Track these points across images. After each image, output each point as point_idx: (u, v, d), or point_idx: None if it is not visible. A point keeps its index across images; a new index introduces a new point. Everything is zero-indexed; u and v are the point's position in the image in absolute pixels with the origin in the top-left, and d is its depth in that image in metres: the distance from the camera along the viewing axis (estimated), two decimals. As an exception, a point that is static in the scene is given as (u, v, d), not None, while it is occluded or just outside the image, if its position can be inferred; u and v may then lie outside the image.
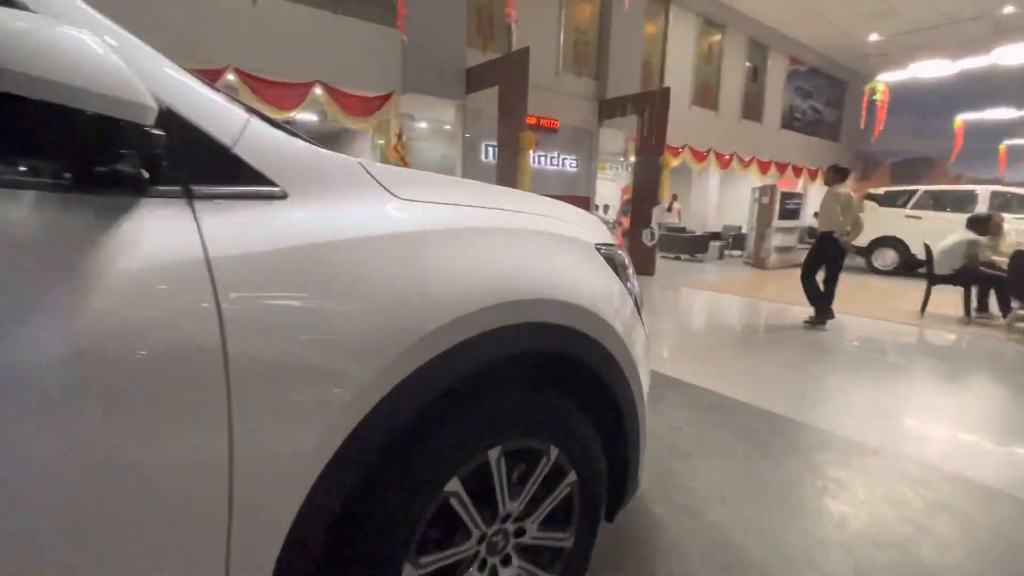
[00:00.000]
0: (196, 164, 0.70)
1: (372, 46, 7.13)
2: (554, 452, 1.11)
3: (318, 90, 6.58)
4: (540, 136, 9.43)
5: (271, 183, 0.76)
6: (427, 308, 0.82)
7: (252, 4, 6.01)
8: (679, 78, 11.79)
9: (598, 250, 1.21)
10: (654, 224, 8.71)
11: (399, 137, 7.53)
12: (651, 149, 8.60)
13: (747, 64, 13.97)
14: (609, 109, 9.99)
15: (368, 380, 0.76)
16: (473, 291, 0.88)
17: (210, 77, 5.81)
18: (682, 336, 4.66)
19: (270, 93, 6.18)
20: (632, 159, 9.97)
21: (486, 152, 8.86)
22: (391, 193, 0.89)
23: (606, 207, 14.62)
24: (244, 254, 0.69)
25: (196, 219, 0.67)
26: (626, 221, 9.81)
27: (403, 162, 8.42)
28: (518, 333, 0.97)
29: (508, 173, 7.03)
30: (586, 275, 1.13)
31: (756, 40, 13.95)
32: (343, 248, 0.78)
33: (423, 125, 9.79)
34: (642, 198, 8.82)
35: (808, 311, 5.08)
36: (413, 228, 0.87)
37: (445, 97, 7.93)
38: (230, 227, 0.69)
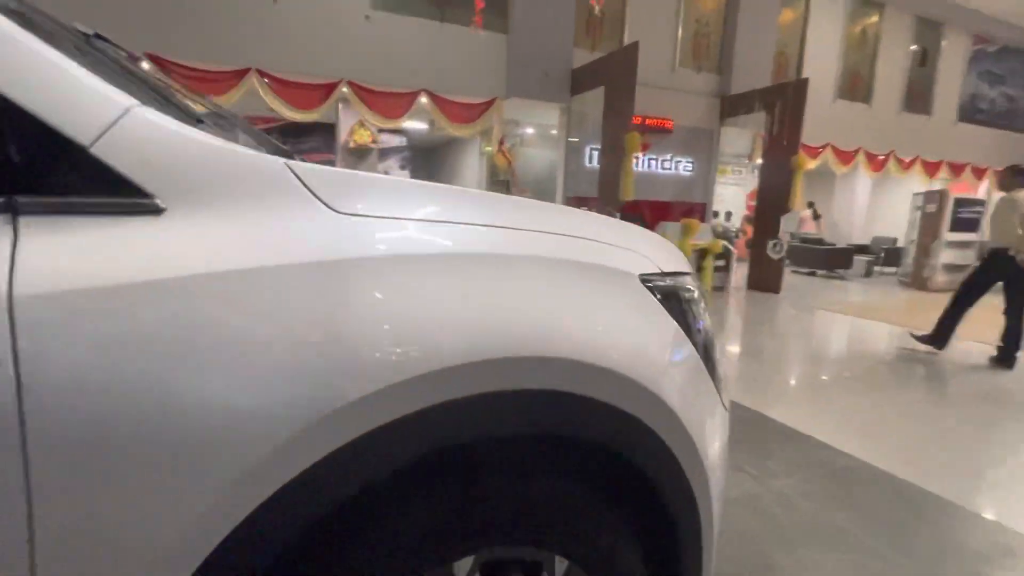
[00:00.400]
0: (30, 168, 0.53)
1: (477, 52, 7.20)
2: (561, 566, 0.80)
3: (424, 99, 6.77)
4: (651, 138, 8.83)
5: (143, 193, 0.57)
6: (340, 371, 0.58)
7: (365, 19, 6.35)
8: (821, 68, 10.36)
9: (647, 283, 0.86)
10: (782, 234, 7.67)
11: (500, 143, 7.50)
12: (782, 150, 7.61)
13: (912, 47, 11.85)
14: (733, 106, 9.08)
15: (243, 472, 0.54)
16: (418, 347, 0.62)
17: (326, 91, 6.26)
18: (807, 371, 3.91)
19: (379, 104, 6.50)
20: (759, 161, 8.92)
21: (590, 156, 8.49)
22: (326, 205, 0.66)
23: (728, 214, 13.42)
24: (68, 291, 0.52)
25: (14, 242, 0.51)
26: (751, 230, 8.81)
27: (511, 167, 8.40)
28: (495, 407, 0.68)
29: (611, 177, 6.61)
30: (614, 320, 0.79)
31: (926, 18, 11.77)
32: (223, 284, 0.57)
33: (530, 130, 9.70)
34: (769, 205, 7.85)
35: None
36: (340, 255, 0.63)
37: (549, 100, 7.74)
38: (62, 254, 0.52)
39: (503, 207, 0.82)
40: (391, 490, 0.66)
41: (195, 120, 0.71)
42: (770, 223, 7.72)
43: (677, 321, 0.89)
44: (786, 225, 7.72)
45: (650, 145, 8.85)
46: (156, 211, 0.57)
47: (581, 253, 0.80)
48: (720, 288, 7.55)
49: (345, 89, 6.29)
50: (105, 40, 0.87)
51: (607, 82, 6.81)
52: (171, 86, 0.87)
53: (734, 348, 4.58)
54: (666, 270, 0.91)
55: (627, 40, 8.14)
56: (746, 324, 5.77)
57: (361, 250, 0.64)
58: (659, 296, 0.87)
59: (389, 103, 6.55)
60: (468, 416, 0.66)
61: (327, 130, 7.77)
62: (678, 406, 0.82)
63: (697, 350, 0.93)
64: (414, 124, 8.32)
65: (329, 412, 0.57)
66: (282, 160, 0.66)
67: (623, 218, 6.64)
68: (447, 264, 0.68)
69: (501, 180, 9.26)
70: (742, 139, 10.26)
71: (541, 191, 9.20)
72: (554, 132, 8.86)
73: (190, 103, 0.86)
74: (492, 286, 0.69)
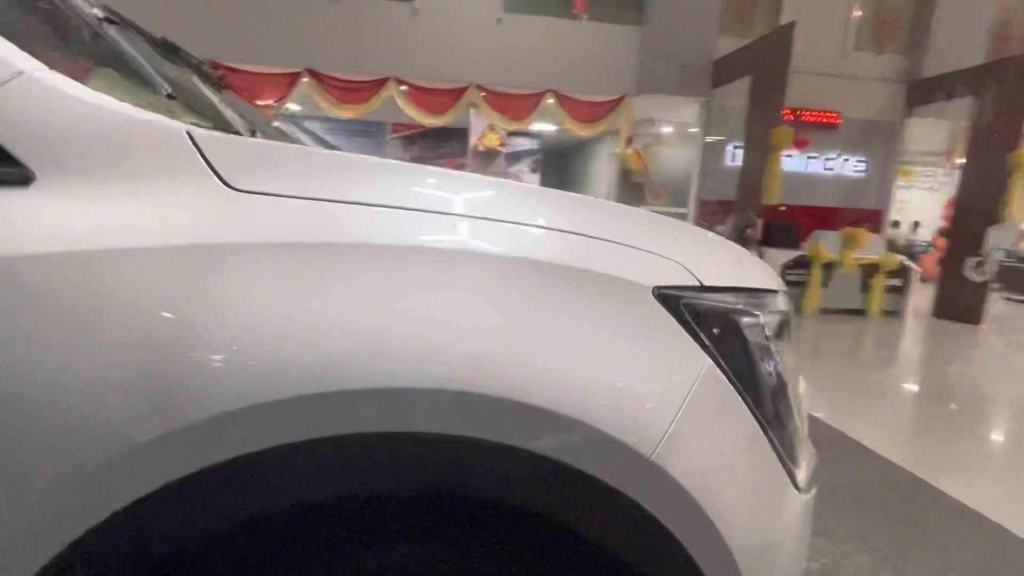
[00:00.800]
0: None
1: (609, 48, 6.93)
2: None
3: (550, 99, 6.71)
4: (813, 133, 7.65)
5: (14, 162, 0.52)
6: (173, 384, 0.47)
7: (497, 23, 6.48)
8: (1068, 37, 8.03)
9: (669, 301, 0.60)
10: (989, 250, 6.07)
11: (628, 142, 7.12)
12: (995, 145, 6.02)
13: None
14: (925, 92, 7.47)
15: (66, 489, 0.46)
16: (280, 363, 0.49)
17: (455, 95, 6.51)
18: (1009, 430, 2.97)
19: (505, 106, 6.63)
20: (960, 160, 7.22)
21: (733, 156, 7.64)
22: (221, 180, 0.55)
23: (915, 224, 11.18)
24: None
25: None
26: (944, 244, 7.19)
27: (644, 168, 7.98)
28: (388, 454, 0.51)
29: (753, 178, 5.84)
30: (594, 349, 0.56)
31: None
32: (64, 266, 0.49)
33: (666, 129, 9.08)
34: (970, 214, 6.28)
35: None
36: (214, 239, 0.52)
37: (687, 95, 7.13)
38: None
39: (453, 188, 0.64)
40: (236, 555, 0.51)
41: (166, 96, 0.66)
42: (972, 236, 6.16)
43: (725, 357, 0.62)
44: (996, 239, 6.09)
45: (808, 142, 7.69)
46: (25, 181, 0.51)
47: (555, 252, 0.58)
48: (893, 313, 6.23)
49: (474, 93, 6.51)
50: (115, 23, 0.88)
51: (754, 71, 6.04)
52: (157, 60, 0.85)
53: (904, 388, 3.69)
54: (709, 283, 0.64)
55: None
56: (924, 359, 4.65)
57: (241, 234, 0.52)
58: (690, 320, 0.61)
59: (515, 105, 6.62)
60: (354, 464, 0.50)
61: (463, 134, 8.13)
62: (696, 485, 0.56)
63: (757, 401, 0.65)
64: (544, 126, 8.30)
65: (161, 434, 0.46)
66: (184, 127, 0.57)
67: (766, 225, 5.83)
68: (348, 257, 0.52)
69: (635, 183, 8.81)
70: (936, 133, 8.41)
71: (677, 194, 8.55)
72: (694, 130, 8.17)
73: (172, 80, 0.82)
74: (404, 287, 0.52)
